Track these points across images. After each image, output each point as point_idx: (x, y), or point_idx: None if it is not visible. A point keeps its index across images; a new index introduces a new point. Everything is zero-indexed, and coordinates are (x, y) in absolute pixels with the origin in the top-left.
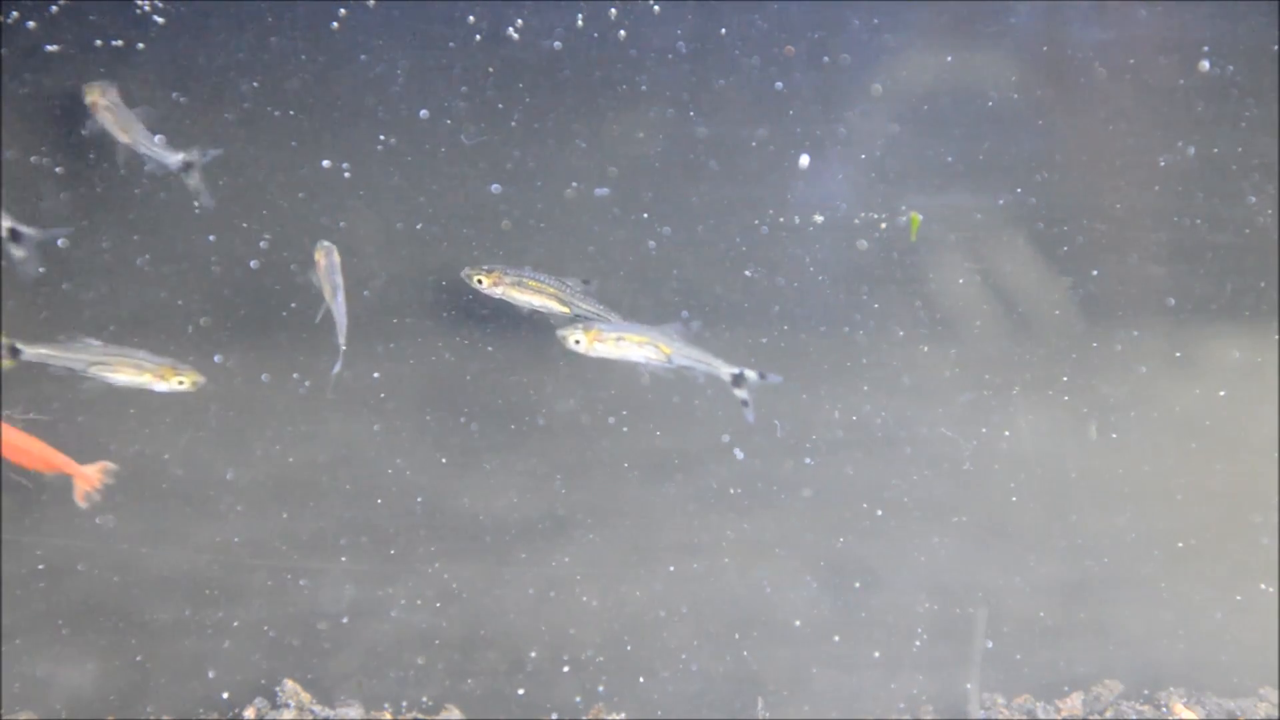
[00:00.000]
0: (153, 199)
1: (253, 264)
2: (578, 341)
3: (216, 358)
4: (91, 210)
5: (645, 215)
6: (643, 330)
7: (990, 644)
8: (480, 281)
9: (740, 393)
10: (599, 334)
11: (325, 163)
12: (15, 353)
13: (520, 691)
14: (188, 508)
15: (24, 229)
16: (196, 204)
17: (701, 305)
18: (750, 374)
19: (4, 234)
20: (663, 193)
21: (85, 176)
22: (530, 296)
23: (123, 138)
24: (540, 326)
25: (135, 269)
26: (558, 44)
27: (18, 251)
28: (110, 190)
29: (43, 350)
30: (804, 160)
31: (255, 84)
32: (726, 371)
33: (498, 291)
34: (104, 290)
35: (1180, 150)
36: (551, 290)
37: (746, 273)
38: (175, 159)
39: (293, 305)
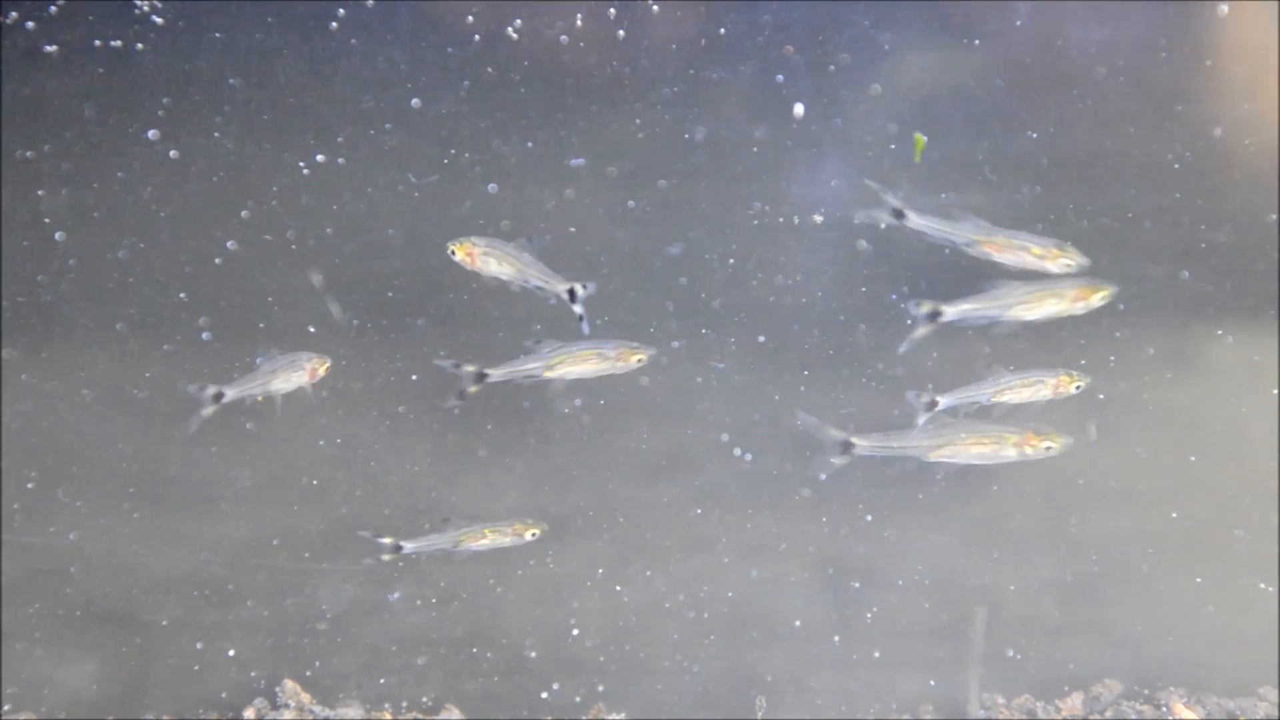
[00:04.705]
0: (150, 199)
1: (230, 244)
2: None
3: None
4: (90, 209)
5: (644, 213)
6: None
7: (996, 645)
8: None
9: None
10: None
11: (319, 158)
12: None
13: (520, 692)
14: (188, 508)
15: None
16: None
17: (700, 304)
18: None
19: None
20: (662, 191)
21: (85, 176)
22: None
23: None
24: (541, 326)
25: (133, 268)
26: (564, 37)
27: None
28: (108, 190)
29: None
30: (798, 109)
31: (253, 84)
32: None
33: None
34: (103, 289)
35: (1180, 149)
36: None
37: (735, 269)
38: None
39: (292, 304)
